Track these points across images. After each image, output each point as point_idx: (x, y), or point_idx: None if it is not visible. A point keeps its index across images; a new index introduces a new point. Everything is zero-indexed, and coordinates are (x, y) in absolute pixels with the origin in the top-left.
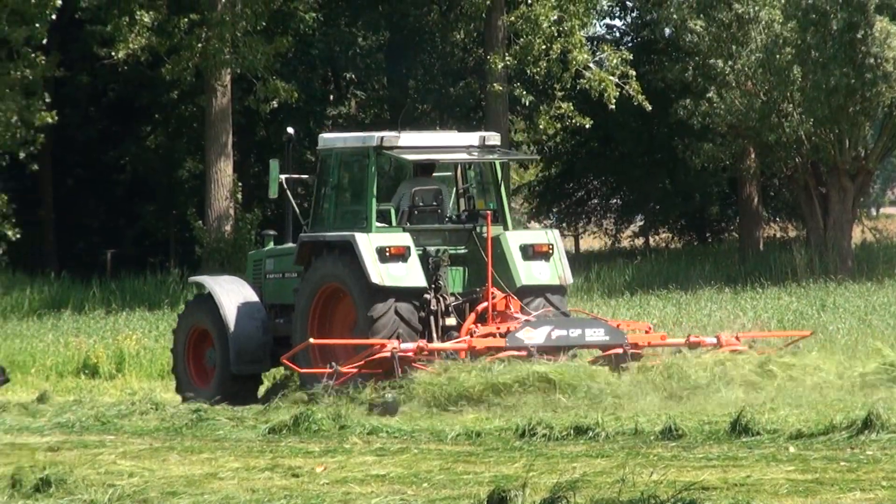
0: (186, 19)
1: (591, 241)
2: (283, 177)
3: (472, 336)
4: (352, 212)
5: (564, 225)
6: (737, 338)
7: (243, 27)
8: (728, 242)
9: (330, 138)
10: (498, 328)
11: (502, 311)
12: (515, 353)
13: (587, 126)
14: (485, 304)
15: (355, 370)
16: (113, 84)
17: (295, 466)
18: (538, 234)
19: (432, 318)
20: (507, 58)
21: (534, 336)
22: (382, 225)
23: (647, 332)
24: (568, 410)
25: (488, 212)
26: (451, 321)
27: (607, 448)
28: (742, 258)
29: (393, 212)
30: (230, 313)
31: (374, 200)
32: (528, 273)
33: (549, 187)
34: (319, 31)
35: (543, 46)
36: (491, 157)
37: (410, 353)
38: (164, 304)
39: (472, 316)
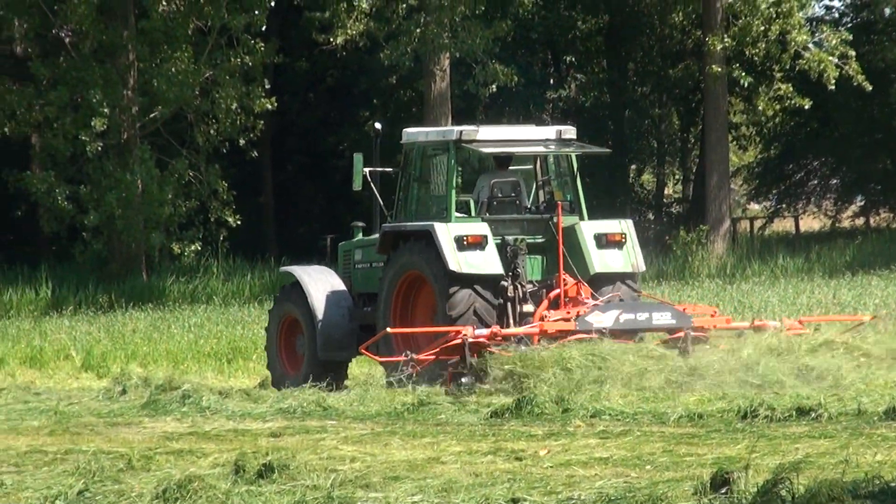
0: (405, 4)
1: (811, 222)
2: (366, 170)
3: (543, 321)
4: (433, 203)
5: (784, 206)
6: (799, 322)
7: (462, 11)
8: None
9: (412, 132)
10: (568, 312)
11: (574, 297)
12: (585, 335)
13: (806, 107)
14: (557, 290)
15: (432, 357)
16: (332, 70)
17: (518, 450)
18: (612, 224)
19: (509, 304)
20: (725, 39)
21: (603, 319)
22: (462, 215)
23: (712, 315)
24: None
25: (559, 203)
26: (529, 307)
27: (830, 429)
28: None
29: (472, 202)
30: (318, 302)
31: (453, 191)
32: (602, 261)
33: (769, 169)
34: (538, 14)
35: (762, 28)
36: (566, 149)
37: (484, 339)
38: None
39: (545, 302)
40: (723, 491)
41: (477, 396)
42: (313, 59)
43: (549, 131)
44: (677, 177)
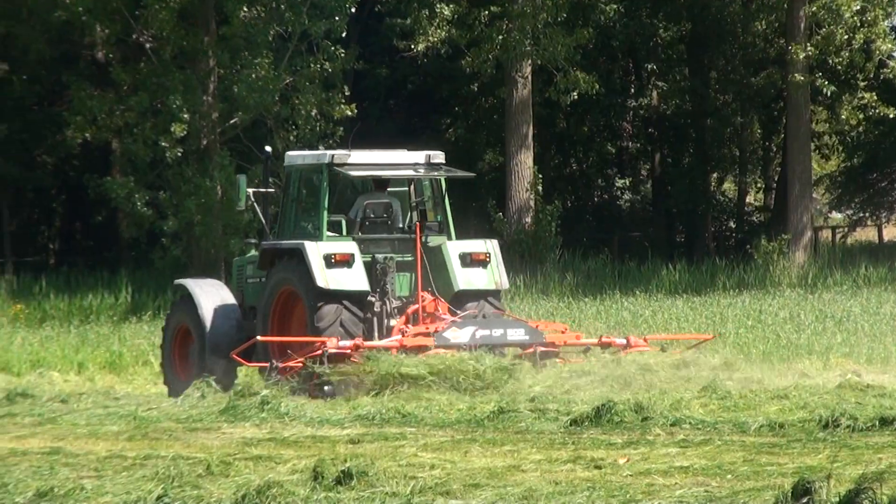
0: (487, 12)
1: (895, 231)
2: (250, 190)
3: (403, 335)
4: (308, 222)
5: (867, 214)
6: (644, 340)
7: (544, 19)
8: None
9: (292, 155)
10: (427, 328)
11: (431, 313)
12: (443, 350)
13: (891, 115)
14: (416, 306)
15: (298, 364)
16: (412, 76)
17: (597, 458)
18: (477, 244)
19: (376, 319)
20: (808, 48)
21: (459, 335)
22: (334, 234)
23: (562, 332)
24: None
25: (418, 223)
26: (395, 322)
27: None
28: None
29: (344, 222)
30: (207, 313)
31: (325, 212)
32: (466, 278)
33: (851, 177)
34: (620, 22)
35: (846, 36)
36: (433, 173)
37: (348, 350)
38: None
39: (403, 318)
40: (804, 501)
41: (557, 405)
42: (394, 65)
43: (419, 156)
44: (759, 185)
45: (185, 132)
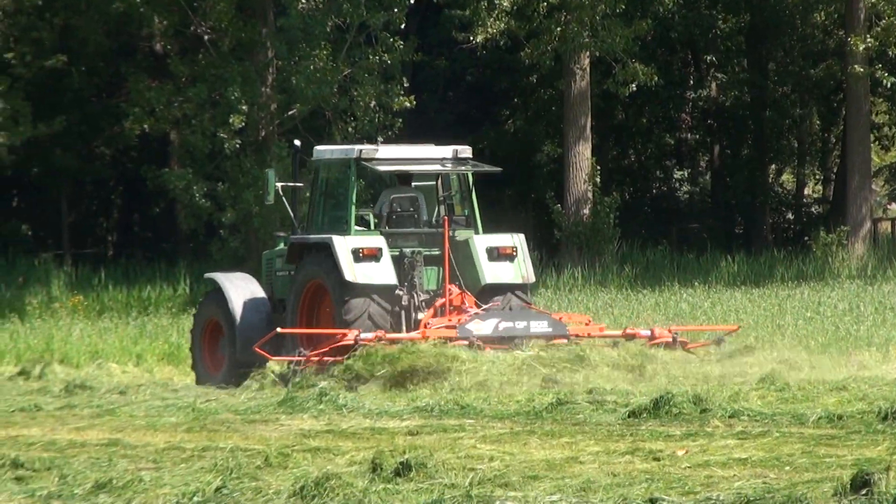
0: (546, 3)
1: None
2: (279, 184)
3: (425, 327)
4: (336, 217)
5: None
6: (669, 330)
7: (602, 10)
8: None
9: (321, 150)
10: (450, 320)
11: (458, 306)
12: (464, 341)
13: None
14: (443, 300)
15: (322, 357)
16: (471, 68)
17: (656, 450)
18: (504, 238)
19: (404, 312)
20: (868, 40)
21: (482, 327)
22: (362, 228)
23: (586, 324)
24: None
25: (445, 217)
26: (422, 315)
27: None
28: None
29: (372, 217)
30: (237, 307)
31: (353, 206)
32: (493, 273)
33: None
34: (679, 13)
35: None
36: (461, 168)
37: (371, 343)
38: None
39: (431, 311)
40: (863, 493)
41: (614, 396)
42: (453, 57)
43: (446, 150)
44: (817, 177)
45: (243, 123)
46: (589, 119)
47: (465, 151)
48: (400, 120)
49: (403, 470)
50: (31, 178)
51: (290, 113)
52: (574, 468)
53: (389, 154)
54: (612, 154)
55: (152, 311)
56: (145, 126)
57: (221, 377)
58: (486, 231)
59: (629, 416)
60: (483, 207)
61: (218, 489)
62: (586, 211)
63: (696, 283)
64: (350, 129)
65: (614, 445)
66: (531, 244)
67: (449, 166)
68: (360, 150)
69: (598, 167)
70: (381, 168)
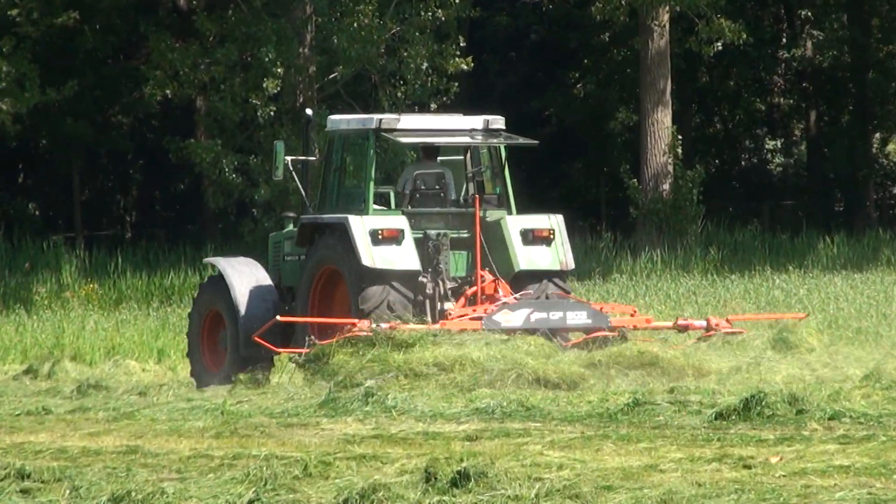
0: None
1: None
2: (289, 158)
3: (447, 318)
4: (352, 194)
5: None
6: (727, 321)
7: None
8: None
9: (335, 119)
10: (474, 310)
11: (491, 295)
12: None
13: None
14: (474, 288)
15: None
16: (536, 26)
17: (746, 457)
18: (540, 219)
19: (428, 301)
20: None
21: (512, 319)
22: (381, 207)
23: (631, 314)
24: None
25: (476, 196)
26: (450, 305)
27: None
28: None
29: (392, 194)
30: (241, 296)
31: (371, 183)
32: (528, 258)
33: None
34: None
35: None
36: (493, 140)
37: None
38: (596, 274)
39: (462, 300)
40: None
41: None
42: (515, 13)
43: (476, 121)
44: None
45: (278, 88)
46: (668, 82)
47: (498, 122)
48: (455, 84)
49: (461, 480)
50: (39, 151)
51: (330, 77)
52: (653, 477)
53: (413, 124)
54: (695, 122)
55: (175, 300)
56: (168, 91)
57: (223, 374)
58: (549, 210)
59: (716, 419)
60: (549, 182)
61: (250, 502)
62: (666, 186)
63: (791, 268)
64: (399, 94)
65: (699, 451)
66: (604, 222)
67: (479, 138)
68: (380, 120)
69: (680, 137)
70: (404, 140)
